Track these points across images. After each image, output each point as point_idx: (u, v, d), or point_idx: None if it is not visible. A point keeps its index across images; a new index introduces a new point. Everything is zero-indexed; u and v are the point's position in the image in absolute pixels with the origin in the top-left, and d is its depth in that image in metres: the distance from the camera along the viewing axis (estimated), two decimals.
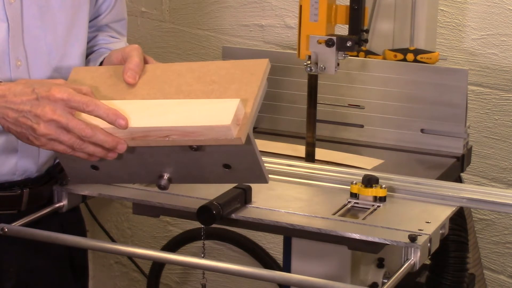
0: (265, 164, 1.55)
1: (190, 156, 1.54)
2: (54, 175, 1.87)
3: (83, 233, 2.03)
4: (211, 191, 1.69)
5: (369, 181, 1.72)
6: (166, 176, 1.59)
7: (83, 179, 1.67)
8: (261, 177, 1.57)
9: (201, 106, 1.51)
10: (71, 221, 1.94)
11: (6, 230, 1.64)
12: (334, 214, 1.67)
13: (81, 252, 2.02)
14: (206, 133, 1.47)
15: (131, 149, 1.55)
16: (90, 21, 1.91)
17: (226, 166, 1.55)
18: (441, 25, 2.63)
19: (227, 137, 1.46)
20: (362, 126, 2.19)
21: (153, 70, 1.63)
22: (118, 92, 1.60)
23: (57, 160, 1.86)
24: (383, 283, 1.89)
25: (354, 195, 1.73)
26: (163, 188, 1.60)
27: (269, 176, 1.84)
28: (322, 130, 2.14)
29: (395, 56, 2.19)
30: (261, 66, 1.57)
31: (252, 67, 1.57)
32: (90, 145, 1.52)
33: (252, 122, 1.51)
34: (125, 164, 1.60)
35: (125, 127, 1.50)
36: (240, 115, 1.48)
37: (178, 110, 1.52)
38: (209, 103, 1.52)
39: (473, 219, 2.50)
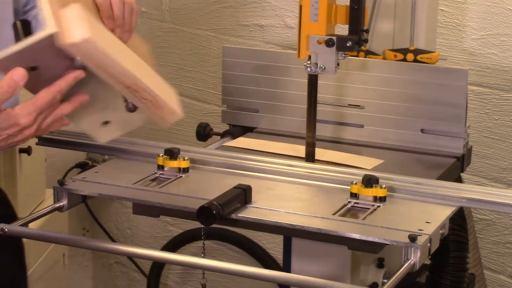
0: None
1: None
2: None
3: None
4: (211, 191, 1.69)
5: (369, 181, 1.72)
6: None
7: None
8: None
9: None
10: None
11: (6, 230, 1.64)
12: (334, 214, 1.67)
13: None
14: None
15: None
16: None
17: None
18: (441, 25, 2.63)
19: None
20: (362, 126, 2.19)
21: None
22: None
23: None
24: (383, 283, 1.90)
25: (354, 195, 1.73)
26: None
27: (269, 176, 1.85)
28: (322, 130, 2.14)
29: (395, 56, 2.19)
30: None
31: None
32: None
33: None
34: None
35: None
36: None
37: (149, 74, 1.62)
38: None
39: (473, 219, 2.50)
